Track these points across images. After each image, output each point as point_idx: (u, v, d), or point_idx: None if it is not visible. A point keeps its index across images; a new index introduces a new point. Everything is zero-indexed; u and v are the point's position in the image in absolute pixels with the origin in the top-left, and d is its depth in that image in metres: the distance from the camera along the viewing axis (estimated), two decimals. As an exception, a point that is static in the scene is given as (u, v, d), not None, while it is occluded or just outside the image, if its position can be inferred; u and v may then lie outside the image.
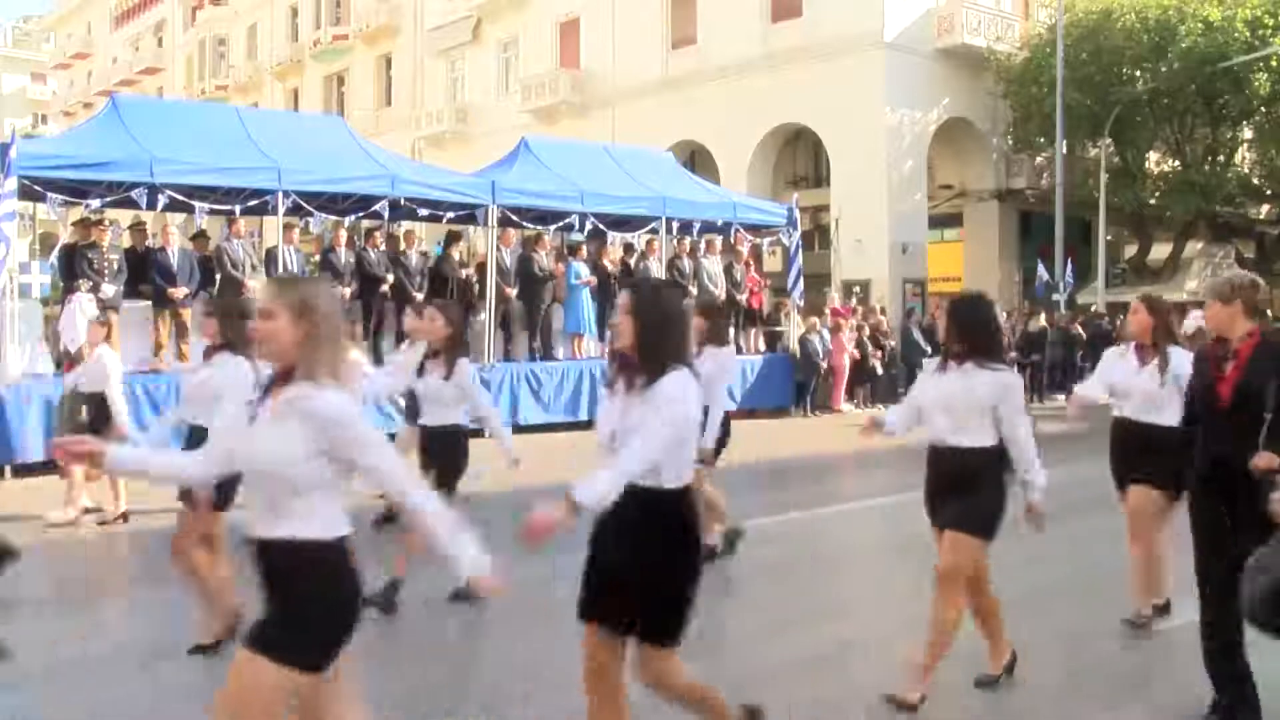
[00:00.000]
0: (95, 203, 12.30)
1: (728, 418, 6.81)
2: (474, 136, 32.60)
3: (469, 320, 14.50)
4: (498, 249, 14.55)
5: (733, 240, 17.53)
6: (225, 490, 4.74)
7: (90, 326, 8.55)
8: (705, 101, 26.39)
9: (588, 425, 14.63)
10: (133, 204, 12.27)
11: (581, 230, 15.75)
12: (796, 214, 17.93)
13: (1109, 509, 8.66)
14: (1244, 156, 27.51)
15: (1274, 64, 23.23)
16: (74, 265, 11.70)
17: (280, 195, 12.59)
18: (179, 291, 12.16)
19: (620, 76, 28.87)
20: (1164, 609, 5.66)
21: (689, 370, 3.24)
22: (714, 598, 6.30)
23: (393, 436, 7.93)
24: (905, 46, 23.98)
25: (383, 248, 14.02)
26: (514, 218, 14.85)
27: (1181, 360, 5.06)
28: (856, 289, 22.78)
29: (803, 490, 10.33)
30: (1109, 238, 26.39)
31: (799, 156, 28.33)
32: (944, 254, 26.36)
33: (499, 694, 4.62)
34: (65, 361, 11.16)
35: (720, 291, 16.73)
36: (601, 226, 15.83)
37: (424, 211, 14.67)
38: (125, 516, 8.38)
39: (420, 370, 6.38)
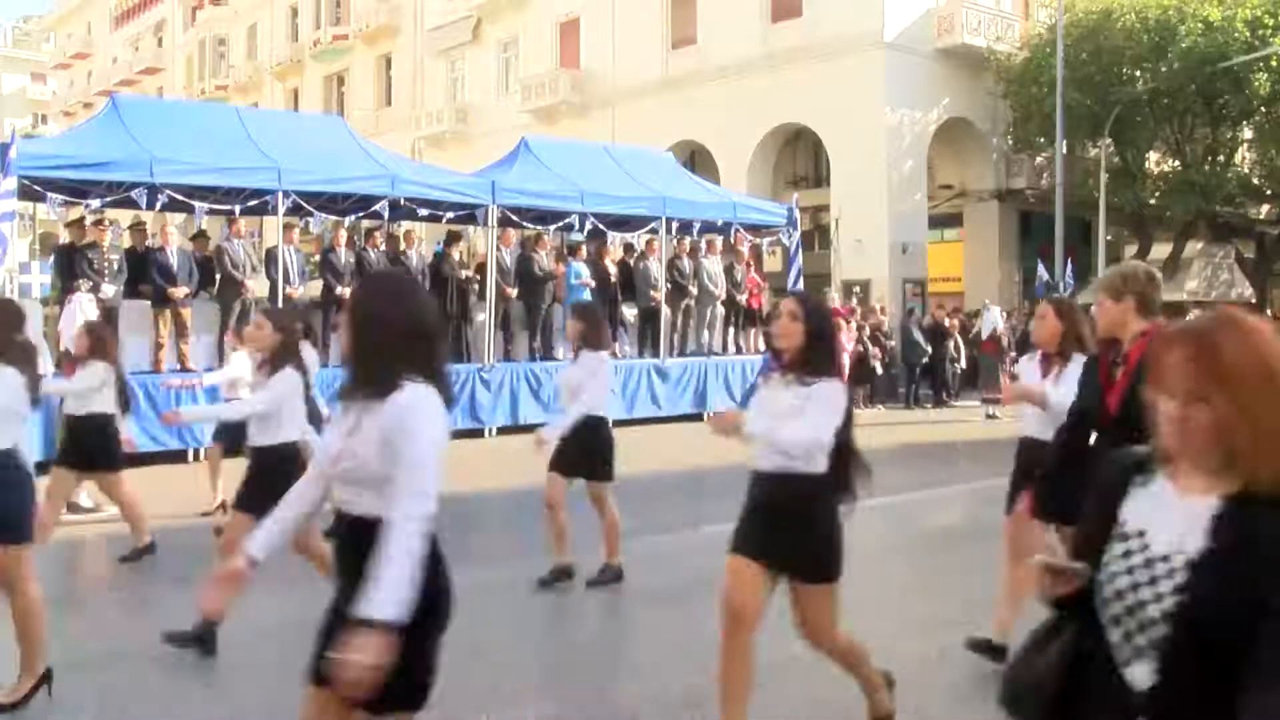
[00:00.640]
0: (95, 203, 12.30)
1: (605, 427, 6.42)
2: (474, 136, 32.59)
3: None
4: (498, 249, 14.55)
5: (733, 240, 17.53)
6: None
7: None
8: (705, 101, 26.38)
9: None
10: (133, 204, 12.28)
11: (581, 230, 15.75)
12: (796, 214, 17.93)
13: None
14: (1244, 156, 27.48)
15: (1274, 64, 23.22)
16: (73, 265, 11.70)
17: (280, 195, 12.59)
18: (179, 291, 12.16)
19: (620, 76, 28.86)
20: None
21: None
22: (714, 598, 6.30)
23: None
24: (905, 46, 23.97)
25: (383, 248, 14.02)
26: (514, 218, 14.85)
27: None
28: (856, 289, 22.78)
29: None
30: (1109, 238, 26.36)
31: (799, 156, 28.32)
32: (944, 254, 26.35)
33: (499, 694, 4.62)
34: (66, 363, 11.16)
35: (720, 291, 16.74)
36: (601, 226, 15.82)
37: (424, 211, 14.67)
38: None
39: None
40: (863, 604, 6.49)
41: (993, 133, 26.19)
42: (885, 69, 23.71)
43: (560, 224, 15.52)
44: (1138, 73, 24.38)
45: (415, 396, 2.58)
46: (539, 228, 15.57)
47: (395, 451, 2.51)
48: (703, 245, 17.09)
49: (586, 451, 6.29)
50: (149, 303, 12.34)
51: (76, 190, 12.37)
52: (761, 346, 17.88)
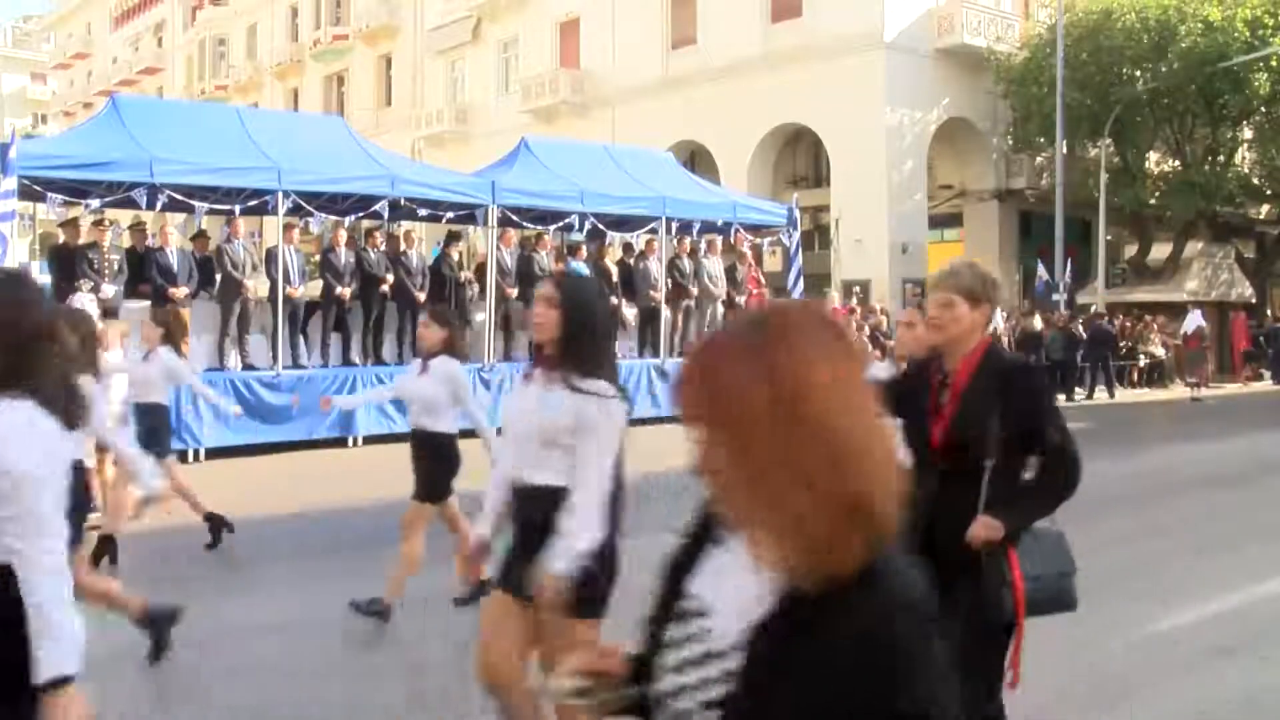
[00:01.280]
0: (95, 203, 12.31)
1: (449, 442, 5.75)
2: (474, 136, 32.61)
3: (465, 321, 14.52)
4: (498, 249, 14.55)
5: (733, 240, 17.53)
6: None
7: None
8: (705, 101, 26.39)
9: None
10: (133, 204, 12.28)
11: (581, 230, 15.75)
12: (796, 214, 17.92)
13: (1111, 508, 8.67)
14: (1244, 156, 27.51)
15: (1274, 64, 23.24)
16: (70, 266, 11.70)
17: (280, 195, 12.59)
18: (179, 291, 12.15)
19: (620, 76, 28.86)
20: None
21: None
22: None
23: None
24: (905, 46, 23.98)
25: (383, 248, 14.02)
26: (514, 218, 14.84)
27: None
28: (856, 289, 22.78)
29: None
30: (1109, 238, 26.38)
31: (799, 156, 28.33)
32: (944, 254, 26.29)
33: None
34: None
35: (720, 291, 16.74)
36: (601, 226, 15.83)
37: (424, 211, 14.67)
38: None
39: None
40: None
41: (993, 133, 26.20)
42: (885, 69, 23.72)
43: (560, 224, 15.51)
44: (1138, 73, 24.40)
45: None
46: (539, 228, 15.57)
47: None
48: (703, 245, 17.09)
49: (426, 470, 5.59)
50: (149, 303, 12.33)
51: (76, 190, 12.37)
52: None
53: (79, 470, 4.76)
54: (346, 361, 13.60)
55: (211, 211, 13.06)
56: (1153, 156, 27.37)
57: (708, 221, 17.12)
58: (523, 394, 3.20)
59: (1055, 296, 23.21)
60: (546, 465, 3.08)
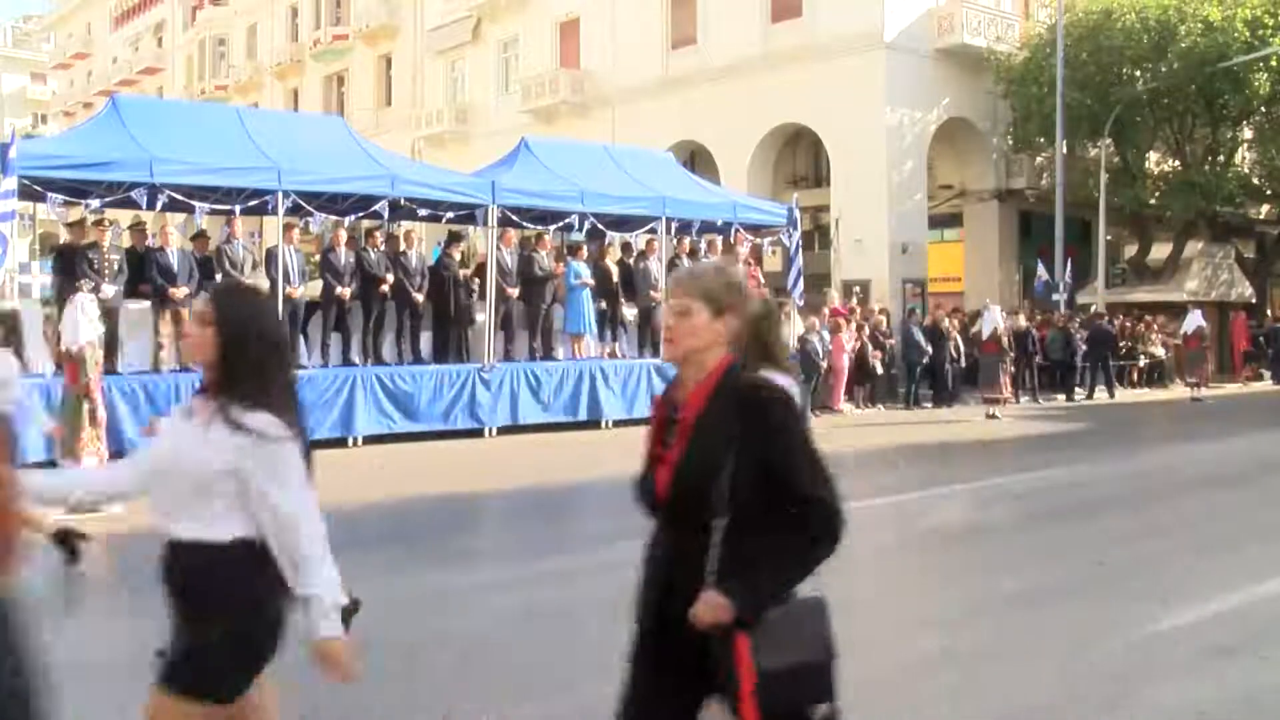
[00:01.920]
0: (95, 203, 12.30)
1: None
2: (474, 136, 32.60)
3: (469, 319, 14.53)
4: (498, 249, 14.55)
5: (733, 240, 17.54)
6: None
7: None
8: (705, 101, 26.38)
9: (587, 425, 14.66)
10: (133, 204, 12.28)
11: (581, 230, 15.75)
12: (797, 214, 17.92)
13: (1111, 508, 8.67)
14: (1244, 156, 27.52)
15: (1274, 64, 23.25)
16: (72, 265, 11.70)
17: (280, 195, 12.59)
18: (179, 291, 12.15)
19: (620, 76, 28.86)
20: None
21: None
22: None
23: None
24: (905, 46, 23.97)
25: (383, 248, 14.02)
26: (514, 218, 14.85)
27: None
28: (856, 289, 22.77)
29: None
30: (1109, 238, 26.39)
31: (799, 156, 28.32)
32: (944, 254, 26.35)
33: (499, 693, 4.61)
34: (67, 363, 11.16)
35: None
36: (601, 226, 15.83)
37: (424, 211, 14.68)
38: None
39: None
40: (863, 604, 6.50)
41: (993, 133, 26.20)
42: (885, 69, 23.71)
43: (560, 224, 15.52)
44: (1138, 73, 24.41)
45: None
46: (539, 228, 15.58)
47: None
48: (703, 245, 17.09)
49: None
50: (149, 303, 12.35)
51: (76, 190, 12.37)
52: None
53: None
54: (346, 361, 13.61)
55: (211, 211, 13.06)
56: (1153, 156, 27.38)
57: (708, 221, 17.13)
58: (178, 430, 2.67)
59: (1055, 296, 23.22)
60: (199, 516, 2.58)
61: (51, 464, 9.13)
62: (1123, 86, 24.17)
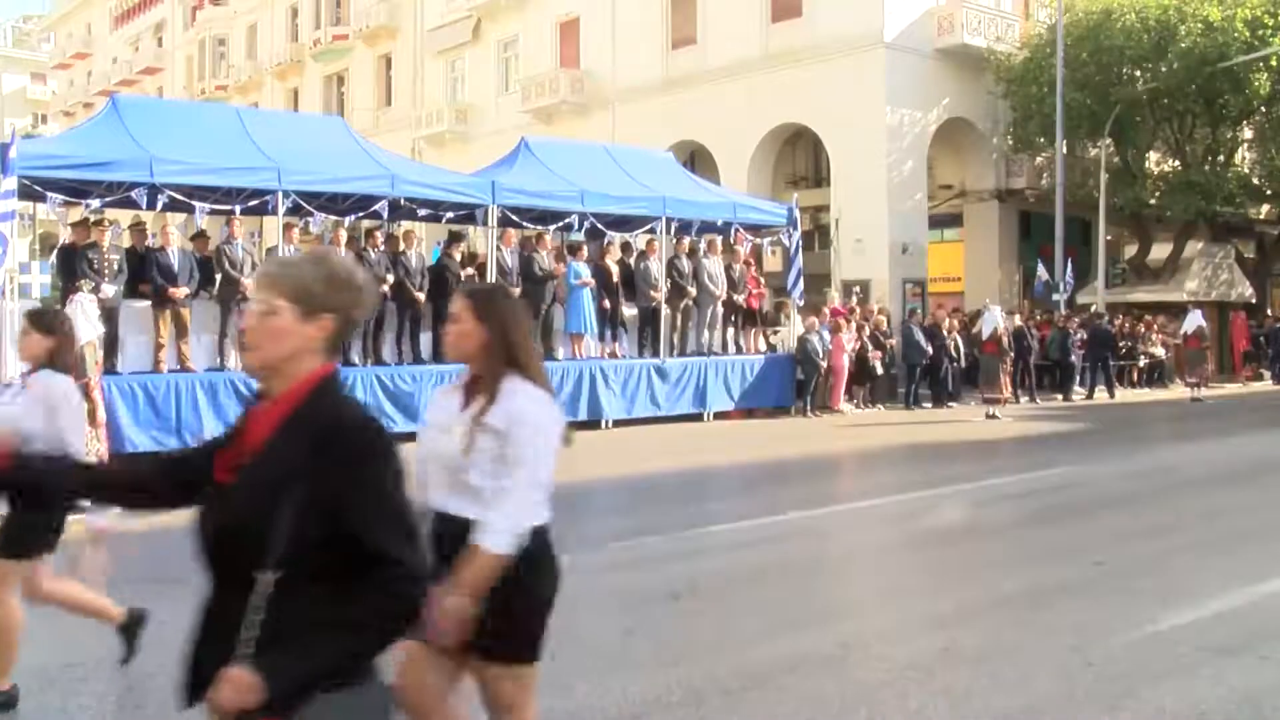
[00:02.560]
0: (95, 203, 12.31)
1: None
2: (474, 136, 32.60)
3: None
4: (498, 249, 14.55)
5: (733, 240, 17.54)
6: None
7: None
8: (705, 101, 26.38)
9: (588, 425, 14.65)
10: (133, 204, 12.28)
11: (581, 230, 15.76)
12: (796, 214, 17.93)
13: (1111, 508, 8.67)
14: (1244, 156, 27.52)
15: (1274, 64, 23.25)
16: (73, 265, 11.70)
17: (280, 195, 12.59)
18: (179, 291, 12.15)
19: (620, 76, 28.86)
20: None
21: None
22: (714, 598, 6.31)
23: None
24: (905, 46, 23.98)
25: (383, 248, 14.02)
26: (514, 218, 14.85)
27: (524, 407, 2.83)
28: (856, 289, 22.77)
29: (802, 490, 10.32)
30: (1109, 238, 26.39)
31: (799, 156, 28.33)
32: (944, 254, 26.35)
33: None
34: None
35: (720, 292, 16.75)
36: (601, 226, 15.84)
37: (424, 211, 14.69)
38: None
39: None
40: (863, 604, 6.51)
41: (993, 133, 26.20)
42: (885, 69, 23.71)
43: (560, 224, 15.52)
44: (1138, 73, 24.41)
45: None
46: (539, 228, 15.58)
47: None
48: (703, 245, 17.10)
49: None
50: (149, 303, 12.34)
51: (76, 190, 12.38)
52: (762, 346, 17.90)
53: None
54: (346, 361, 13.59)
55: (212, 211, 13.05)
56: (1153, 156, 27.38)
57: (708, 221, 17.13)
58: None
59: (1055, 296, 23.23)
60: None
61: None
62: (1123, 86, 24.17)
